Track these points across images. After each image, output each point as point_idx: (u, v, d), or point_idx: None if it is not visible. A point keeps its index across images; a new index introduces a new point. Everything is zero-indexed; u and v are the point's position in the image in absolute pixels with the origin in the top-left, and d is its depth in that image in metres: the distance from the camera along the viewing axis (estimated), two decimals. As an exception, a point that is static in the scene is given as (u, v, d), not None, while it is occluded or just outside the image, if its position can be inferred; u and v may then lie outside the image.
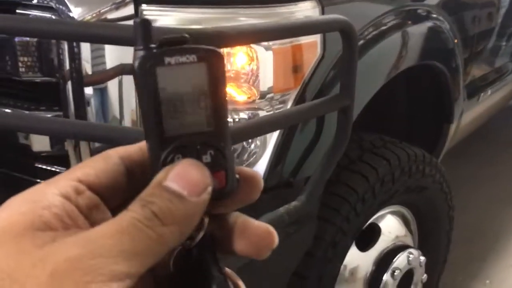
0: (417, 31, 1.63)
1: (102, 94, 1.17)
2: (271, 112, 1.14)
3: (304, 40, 1.16)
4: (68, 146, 1.17)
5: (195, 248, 0.35)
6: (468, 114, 2.10)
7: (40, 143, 1.24)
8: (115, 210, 0.34)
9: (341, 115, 1.16)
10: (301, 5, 1.18)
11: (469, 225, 2.54)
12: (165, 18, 1.13)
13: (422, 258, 1.66)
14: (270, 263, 1.23)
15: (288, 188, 1.22)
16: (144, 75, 0.32)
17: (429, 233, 1.80)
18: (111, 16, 1.11)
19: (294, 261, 1.27)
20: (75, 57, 1.10)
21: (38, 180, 1.24)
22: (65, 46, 1.10)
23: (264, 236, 0.38)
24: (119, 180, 0.36)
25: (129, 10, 1.11)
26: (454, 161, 2.78)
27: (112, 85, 1.17)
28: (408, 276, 1.64)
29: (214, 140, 0.34)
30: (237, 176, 0.36)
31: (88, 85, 1.14)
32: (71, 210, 0.32)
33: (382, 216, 1.65)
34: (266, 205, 1.17)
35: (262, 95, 1.12)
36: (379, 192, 1.48)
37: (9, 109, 1.24)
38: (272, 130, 1.06)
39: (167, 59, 0.32)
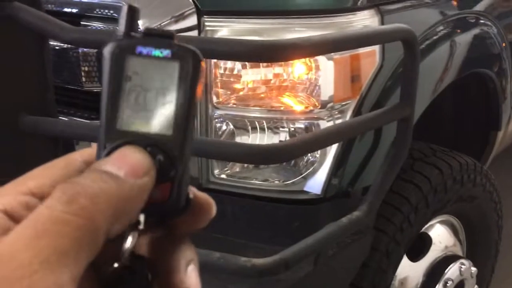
0: (465, 39, 1.61)
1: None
2: (331, 122, 1.14)
3: (363, 49, 1.15)
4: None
5: (127, 269, 0.31)
6: (514, 122, 2.06)
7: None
8: None
9: (401, 125, 1.15)
10: (360, 14, 1.18)
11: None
12: (225, 29, 1.14)
13: (474, 269, 1.63)
14: (329, 273, 1.23)
15: (346, 198, 1.21)
16: (112, 60, 0.30)
17: (477, 243, 1.77)
18: (171, 28, 1.12)
19: (353, 271, 1.26)
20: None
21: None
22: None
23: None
24: None
25: (189, 22, 1.12)
26: (495, 168, 2.73)
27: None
28: (458, 287, 1.62)
29: (167, 147, 0.31)
30: (190, 196, 0.32)
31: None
32: (7, 225, 0.27)
33: (432, 226, 1.63)
34: (325, 215, 1.17)
35: (323, 105, 1.12)
36: (432, 202, 1.47)
37: (67, 118, 1.26)
38: (336, 141, 1.06)
39: (139, 49, 0.30)
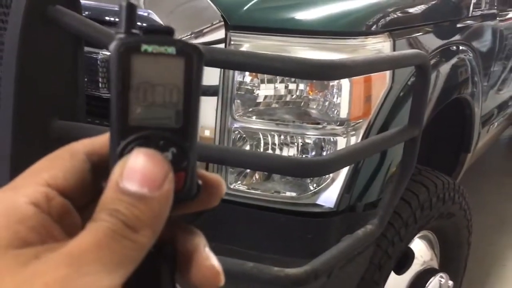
0: (447, 68, 1.72)
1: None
2: (346, 139, 1.19)
3: (379, 72, 1.22)
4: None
5: (154, 255, 0.32)
6: (479, 145, 2.21)
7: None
8: (81, 209, 0.33)
9: (409, 145, 1.22)
10: (373, 38, 1.24)
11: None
12: (249, 44, 1.17)
13: (451, 282, 1.73)
14: (338, 285, 1.27)
15: (352, 212, 1.26)
16: (118, 58, 0.31)
17: (450, 258, 1.88)
18: (199, 40, 1.14)
19: (354, 284, 1.31)
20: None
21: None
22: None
23: (210, 275, 0.34)
24: (86, 178, 0.33)
25: (217, 35, 1.15)
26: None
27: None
28: (435, 299, 1.71)
29: (179, 138, 0.32)
30: (199, 182, 0.34)
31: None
32: (44, 220, 0.30)
33: (413, 240, 1.71)
34: (337, 228, 1.22)
35: (341, 122, 1.17)
36: (419, 218, 1.55)
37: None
38: (362, 157, 1.11)
39: (144, 46, 0.31)
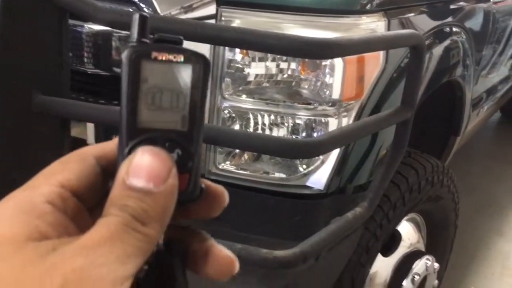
0: (439, 50, 1.70)
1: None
2: (338, 120, 1.17)
3: (373, 52, 1.19)
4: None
5: (164, 249, 0.35)
6: (469, 128, 2.20)
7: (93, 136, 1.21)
8: (90, 210, 0.35)
9: (401, 127, 1.20)
10: (367, 17, 1.22)
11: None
12: (240, 20, 1.14)
13: (436, 265, 1.73)
14: (326, 267, 1.27)
15: (342, 195, 1.25)
16: (129, 65, 0.33)
17: (437, 240, 1.89)
18: (189, 15, 1.10)
19: (343, 265, 1.30)
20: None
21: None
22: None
23: (226, 264, 0.37)
24: (96, 181, 0.35)
25: (207, 11, 1.11)
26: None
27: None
28: (421, 282, 1.71)
29: (184, 141, 0.34)
30: (202, 185, 0.36)
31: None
32: (61, 218, 0.32)
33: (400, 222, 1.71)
34: (326, 210, 1.20)
35: (333, 103, 1.15)
36: (408, 200, 1.54)
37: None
38: (354, 140, 1.09)
39: (154, 54, 0.33)
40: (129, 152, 0.33)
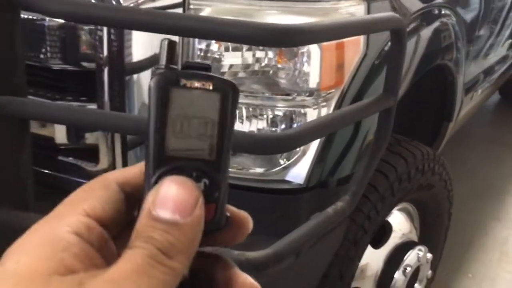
0: (428, 33, 1.64)
1: (132, 85, 1.11)
2: (317, 110, 1.11)
3: (348, 37, 1.13)
4: (100, 139, 1.10)
5: (190, 280, 0.35)
6: (462, 113, 2.14)
7: (63, 134, 1.16)
8: (114, 238, 0.35)
9: (384, 115, 1.15)
10: (345, 2, 1.15)
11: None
12: (209, 8, 1.08)
13: (429, 255, 1.68)
14: (308, 264, 1.22)
15: (324, 188, 1.20)
16: (158, 91, 0.33)
17: (430, 230, 1.84)
18: (156, 4, 1.04)
19: (328, 260, 1.25)
20: (115, 43, 1.03)
21: (62, 175, 1.17)
22: (104, 31, 1.03)
23: None
24: (120, 208, 0.35)
25: (173, -2, 1.05)
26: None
27: (145, 76, 1.11)
28: (413, 273, 1.67)
29: (212, 171, 0.34)
30: (227, 214, 0.36)
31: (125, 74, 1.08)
32: (87, 249, 0.32)
33: (391, 213, 1.66)
34: (307, 205, 1.15)
35: (310, 92, 1.09)
36: (397, 190, 1.49)
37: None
38: (333, 130, 1.03)
39: (183, 81, 0.33)
40: (156, 181, 0.32)
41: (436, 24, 1.67)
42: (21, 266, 0.29)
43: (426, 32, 1.59)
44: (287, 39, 0.77)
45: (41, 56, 1.08)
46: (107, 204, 0.34)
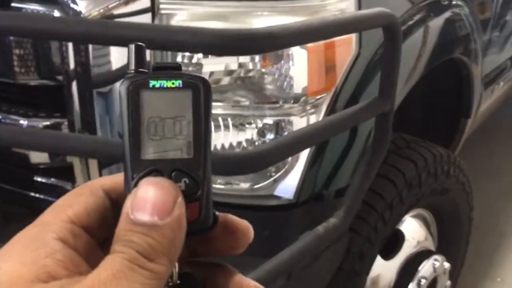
0: (438, 23, 1.51)
1: (106, 98, 1.03)
2: (305, 118, 1.02)
3: (338, 37, 1.03)
4: (74, 157, 1.04)
5: (179, 285, 0.34)
6: (482, 108, 2.00)
7: (39, 153, 1.10)
8: (102, 245, 0.34)
9: (381, 121, 1.05)
10: (334, -3, 1.05)
11: (473, 222, 2.47)
12: (183, 12, 1.00)
13: (447, 265, 1.56)
14: (303, 285, 1.12)
15: (320, 202, 1.10)
16: (128, 96, 0.32)
17: (449, 236, 1.72)
18: (120, 11, 0.96)
19: (327, 278, 1.16)
20: (82, 56, 0.96)
21: (37, 195, 1.10)
22: (70, 44, 0.96)
23: None
24: (106, 215, 0.34)
25: (141, 4, 0.97)
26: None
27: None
28: (430, 284, 1.55)
29: (190, 169, 0.33)
30: (216, 213, 0.35)
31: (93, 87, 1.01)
32: (72, 255, 0.31)
33: (404, 220, 1.55)
34: (298, 221, 1.06)
35: (296, 99, 1.00)
36: (406, 197, 1.38)
37: (3, 115, 1.09)
38: (315, 143, 0.94)
39: (152, 83, 0.33)
40: (135, 185, 0.32)
41: (447, 14, 1.55)
42: (3, 273, 0.29)
43: (436, 23, 1.47)
44: (255, 45, 0.68)
45: (9, 71, 1.02)
46: (93, 210, 0.34)
